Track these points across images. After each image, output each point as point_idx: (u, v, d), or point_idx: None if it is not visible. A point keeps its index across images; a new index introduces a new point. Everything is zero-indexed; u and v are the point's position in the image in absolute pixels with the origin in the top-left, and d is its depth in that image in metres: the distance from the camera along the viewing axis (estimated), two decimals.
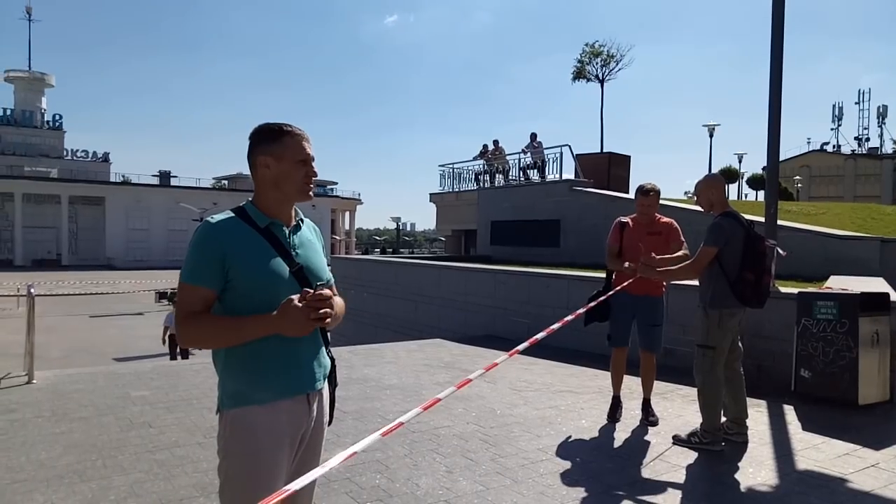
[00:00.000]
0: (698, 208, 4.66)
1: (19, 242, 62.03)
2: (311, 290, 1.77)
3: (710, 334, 4.28)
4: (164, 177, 74.01)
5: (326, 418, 2.07)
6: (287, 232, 1.93)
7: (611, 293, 4.70)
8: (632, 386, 5.51)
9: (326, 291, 1.79)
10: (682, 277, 4.54)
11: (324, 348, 2.01)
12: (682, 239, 4.89)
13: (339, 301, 2.03)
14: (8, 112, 72.03)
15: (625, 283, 4.63)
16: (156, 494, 3.48)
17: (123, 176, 71.75)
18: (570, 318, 4.05)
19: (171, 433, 4.56)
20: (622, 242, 4.93)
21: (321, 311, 1.76)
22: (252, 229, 1.87)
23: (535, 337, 3.45)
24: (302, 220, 2.04)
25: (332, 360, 2.07)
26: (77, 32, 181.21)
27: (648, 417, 4.96)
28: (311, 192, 1.96)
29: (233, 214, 1.90)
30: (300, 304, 1.75)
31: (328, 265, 2.11)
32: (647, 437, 4.63)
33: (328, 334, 2.05)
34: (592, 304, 4.60)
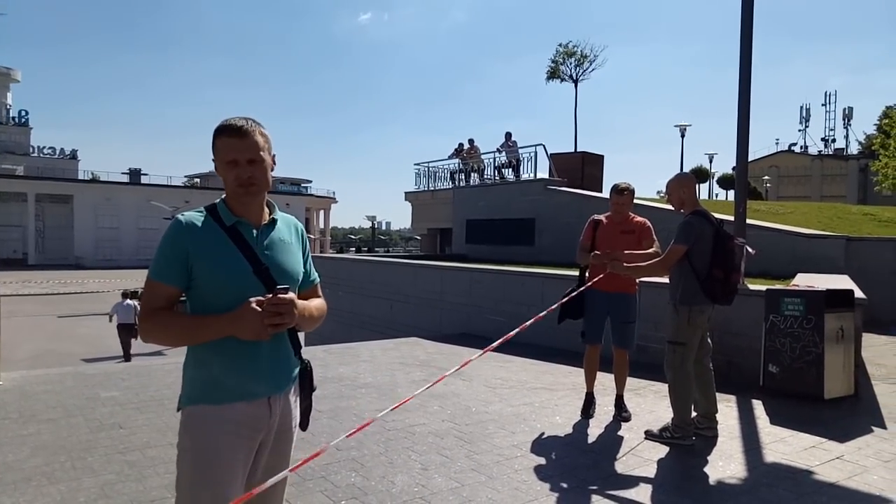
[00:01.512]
0: (670, 207, 4.74)
1: None
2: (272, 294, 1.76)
3: (680, 331, 4.35)
4: (135, 174, 72.66)
5: (295, 422, 2.02)
6: (255, 231, 1.90)
7: (584, 287, 4.74)
8: (605, 382, 5.58)
9: (288, 295, 1.76)
10: (651, 274, 4.62)
11: (292, 351, 1.96)
12: (654, 238, 4.96)
13: (313, 303, 2.01)
14: None
15: (597, 279, 4.68)
16: (127, 496, 3.43)
17: (92, 173, 70.29)
18: (542, 314, 4.10)
19: (142, 434, 4.49)
20: (594, 240, 4.98)
21: (278, 316, 1.75)
22: (219, 227, 1.86)
23: (507, 335, 3.49)
24: (277, 219, 1.99)
25: (306, 363, 2.02)
26: (44, 27, 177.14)
27: (622, 413, 5.02)
28: (246, 195, 1.86)
29: (204, 212, 1.89)
30: (258, 308, 1.74)
31: (312, 265, 2.09)
32: (619, 433, 4.69)
33: (299, 337, 2.00)
34: (565, 299, 4.65)
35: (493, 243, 16.60)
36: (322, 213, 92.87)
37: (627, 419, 4.97)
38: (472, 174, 20.47)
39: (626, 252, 4.65)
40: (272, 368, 1.89)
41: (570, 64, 35.75)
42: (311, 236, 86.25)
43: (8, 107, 73.13)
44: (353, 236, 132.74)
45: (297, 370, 1.99)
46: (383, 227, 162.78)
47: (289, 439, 2.00)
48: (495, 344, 3.34)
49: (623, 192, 4.91)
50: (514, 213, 16.13)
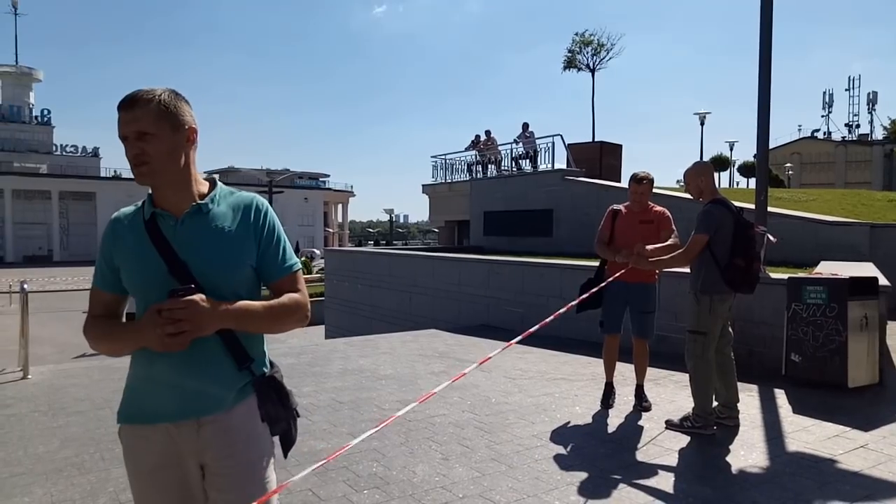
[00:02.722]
0: (689, 196, 4.70)
1: (10, 239, 61.61)
2: (173, 298, 1.50)
3: (701, 320, 4.33)
4: None
5: (256, 440, 1.68)
6: (173, 223, 1.62)
7: (605, 284, 4.72)
8: (625, 372, 5.57)
9: (189, 297, 1.50)
10: (674, 265, 4.58)
11: (229, 362, 1.63)
12: (673, 227, 4.93)
13: (265, 302, 1.65)
14: None
15: (618, 274, 4.66)
16: None
17: (114, 171, 71.29)
18: (562, 310, 4.11)
19: None
20: (614, 230, 4.96)
21: (174, 323, 1.48)
22: (141, 223, 1.65)
23: (529, 330, 3.53)
24: (211, 204, 1.67)
25: (259, 376, 1.68)
26: (65, 27, 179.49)
27: (642, 403, 5.01)
28: (139, 177, 1.60)
29: (137, 206, 1.71)
30: (157, 316, 1.51)
31: (285, 251, 1.74)
32: (640, 423, 4.68)
33: (240, 342, 1.64)
34: (586, 295, 4.62)
35: (510, 235, 16.58)
36: (340, 206, 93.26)
37: (648, 409, 4.96)
38: (490, 166, 20.44)
39: (650, 247, 4.59)
40: (192, 383, 1.60)
41: (587, 53, 35.41)
42: (330, 230, 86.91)
43: (31, 106, 74.32)
44: (371, 230, 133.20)
45: (243, 383, 1.66)
46: (401, 220, 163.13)
47: (239, 470, 1.65)
48: (518, 338, 3.40)
49: (642, 182, 4.88)
50: (531, 205, 16.08)
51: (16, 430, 4.47)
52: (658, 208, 4.99)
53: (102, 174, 69.91)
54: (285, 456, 1.78)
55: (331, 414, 4.92)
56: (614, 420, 4.76)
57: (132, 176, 1.65)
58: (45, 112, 73.75)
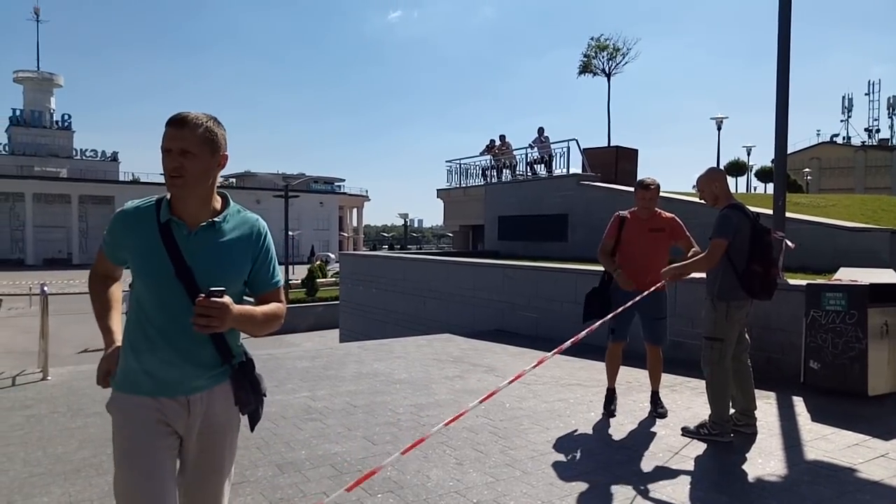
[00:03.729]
0: (704, 202, 4.66)
1: (30, 242, 62.50)
2: (203, 296, 1.71)
3: (718, 326, 4.29)
4: None
5: (231, 423, 1.99)
6: (187, 231, 1.86)
7: (643, 296, 4.44)
8: (640, 378, 5.54)
9: (221, 299, 1.70)
10: (697, 270, 4.50)
11: (214, 354, 1.90)
12: (688, 234, 4.86)
13: (261, 308, 1.92)
14: (17, 112, 72.45)
15: (651, 289, 4.46)
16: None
17: (133, 175, 72.19)
18: (610, 315, 4.26)
19: None
20: (620, 238, 4.86)
21: (205, 318, 1.69)
22: (156, 223, 1.86)
23: (574, 337, 3.85)
24: (223, 222, 1.91)
25: (235, 366, 1.95)
26: (85, 33, 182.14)
27: (657, 409, 4.97)
28: (173, 187, 1.84)
29: (152, 203, 1.92)
30: (104, 369, 1.93)
31: (274, 269, 2.01)
32: (655, 429, 4.65)
33: (226, 340, 1.92)
34: (610, 316, 4.38)
35: (525, 239, 16.56)
36: (355, 211, 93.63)
37: (664, 415, 4.91)
38: (504, 170, 20.42)
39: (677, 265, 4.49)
40: (181, 369, 1.86)
41: (603, 58, 35.31)
42: (345, 234, 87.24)
43: (52, 111, 75.42)
44: (385, 234, 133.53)
45: (222, 370, 1.94)
46: (415, 225, 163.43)
47: (218, 439, 1.97)
48: (568, 343, 3.47)
49: (649, 188, 4.77)
50: (546, 209, 16.05)
51: (35, 430, 4.53)
52: (667, 215, 4.90)
53: (121, 178, 70.83)
54: (252, 430, 2.09)
55: (345, 417, 4.94)
56: (629, 427, 4.73)
57: (163, 182, 1.89)
58: (66, 117, 74.79)
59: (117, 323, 2.01)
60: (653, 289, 4.48)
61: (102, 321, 2.00)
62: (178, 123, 1.82)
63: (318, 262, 43.58)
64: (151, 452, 1.86)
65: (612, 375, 5.11)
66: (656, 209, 4.87)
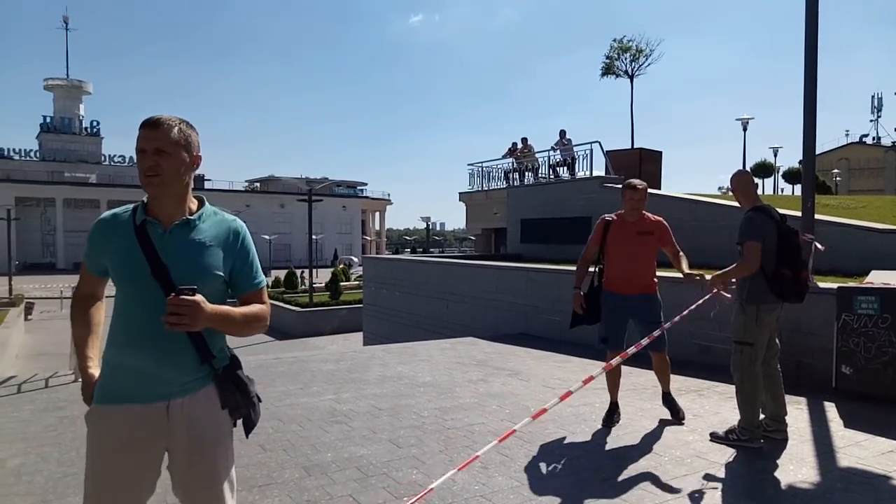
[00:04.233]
0: (731, 203, 4.61)
1: (61, 246, 63.89)
2: (175, 295, 1.72)
3: (748, 330, 4.23)
4: (198, 180, 75.35)
5: (220, 427, 1.94)
6: (161, 230, 1.88)
7: (697, 305, 4.32)
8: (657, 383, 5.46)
9: (192, 297, 1.71)
10: (738, 276, 4.30)
11: (193, 357, 1.88)
12: (674, 240, 4.73)
13: (241, 309, 1.91)
14: (48, 119, 74.25)
15: (716, 292, 4.28)
16: None
17: None
18: (674, 320, 4.18)
19: None
20: (605, 242, 4.72)
21: (175, 316, 1.71)
22: (132, 226, 1.89)
23: (639, 343, 3.78)
24: (198, 221, 1.93)
25: (218, 370, 1.93)
26: (112, 41, 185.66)
27: (674, 409, 4.86)
28: (149, 186, 1.86)
29: (128, 209, 1.95)
30: (85, 401, 1.93)
31: (255, 269, 2.00)
32: (683, 435, 4.59)
33: (205, 341, 1.89)
34: (659, 329, 4.28)
35: (548, 242, 16.48)
36: (377, 214, 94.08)
37: (681, 416, 4.83)
38: (527, 173, 20.37)
39: (717, 274, 4.32)
40: (161, 372, 1.85)
41: (626, 59, 35.18)
42: (367, 238, 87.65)
43: (81, 118, 77.06)
44: (408, 237, 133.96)
45: (204, 374, 1.92)
46: (438, 228, 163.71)
47: (207, 447, 1.91)
48: (632, 350, 3.59)
49: (637, 188, 4.60)
50: (569, 212, 15.97)
51: (69, 431, 4.61)
52: (655, 218, 4.73)
53: None
54: (247, 436, 2.04)
55: (370, 420, 4.96)
56: (657, 431, 4.68)
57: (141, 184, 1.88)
58: (95, 123, 76.38)
59: (96, 350, 1.99)
60: (707, 297, 4.35)
61: (81, 348, 1.98)
62: (152, 125, 1.86)
63: (341, 266, 43.87)
64: (116, 475, 1.85)
65: (612, 388, 4.90)
66: (644, 212, 4.71)
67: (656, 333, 4.18)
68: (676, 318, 4.21)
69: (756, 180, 4.74)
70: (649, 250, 4.69)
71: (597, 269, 4.92)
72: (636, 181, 4.68)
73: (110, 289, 2.02)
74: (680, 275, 4.64)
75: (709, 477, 3.78)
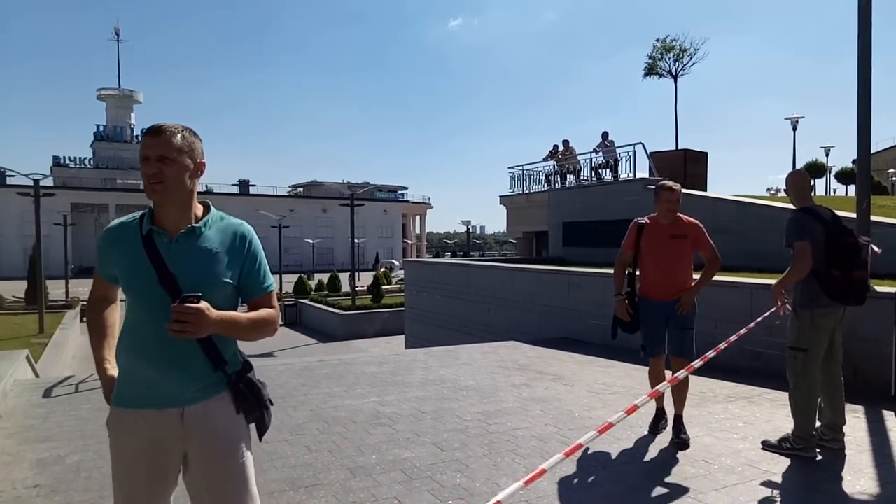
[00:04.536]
0: (781, 204, 4.48)
1: None
2: (178, 303, 1.74)
3: (801, 336, 4.10)
4: (244, 185, 77.22)
5: (235, 433, 1.93)
6: (167, 239, 1.89)
7: (762, 318, 4.27)
8: (714, 389, 5.35)
9: (196, 304, 1.72)
10: (795, 280, 4.15)
11: (205, 363, 1.88)
12: (711, 243, 4.52)
13: (248, 314, 1.92)
14: (101, 128, 77.04)
15: (772, 310, 4.21)
16: None
17: (206, 185, 75.17)
18: (743, 331, 4.09)
19: None
20: (639, 247, 4.52)
21: (178, 323, 1.72)
22: (138, 235, 1.90)
23: (717, 347, 3.67)
24: (203, 227, 1.93)
25: (231, 376, 1.93)
26: (162, 52, 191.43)
27: (680, 436, 4.39)
28: (153, 193, 1.87)
29: (135, 218, 1.96)
30: (106, 393, 1.96)
31: (264, 273, 2.00)
32: (733, 443, 4.47)
33: (216, 347, 1.89)
34: (753, 323, 4.20)
35: (590, 245, 16.28)
36: (418, 218, 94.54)
37: (685, 444, 4.34)
38: (568, 176, 20.20)
39: (780, 282, 4.20)
40: (173, 379, 1.86)
41: (669, 59, 34.64)
42: (408, 241, 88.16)
43: (132, 126, 79.71)
44: (448, 241, 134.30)
45: (218, 380, 1.92)
46: (478, 231, 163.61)
47: (222, 449, 1.91)
48: (700, 361, 3.52)
49: (673, 189, 4.40)
50: (612, 215, 15.75)
51: None
52: (689, 220, 4.51)
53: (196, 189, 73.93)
54: (260, 440, 2.03)
55: (414, 423, 4.98)
56: (706, 439, 4.57)
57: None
58: (145, 132, 78.80)
59: (111, 350, 2.01)
60: (773, 310, 4.23)
61: (97, 350, 2.02)
62: (154, 132, 1.87)
63: (382, 269, 44.24)
64: (134, 477, 1.90)
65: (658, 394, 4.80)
66: (679, 214, 4.50)
67: (710, 355, 3.80)
68: (743, 331, 4.09)
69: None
70: (684, 254, 4.47)
71: (626, 273, 4.70)
72: (670, 182, 4.50)
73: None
74: (717, 277, 4.49)
75: (763, 486, 3.67)
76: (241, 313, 1.91)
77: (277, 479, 3.78)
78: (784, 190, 4.46)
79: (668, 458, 4.18)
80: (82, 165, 73.76)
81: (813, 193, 4.50)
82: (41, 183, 21.96)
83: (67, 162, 73.03)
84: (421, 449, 4.35)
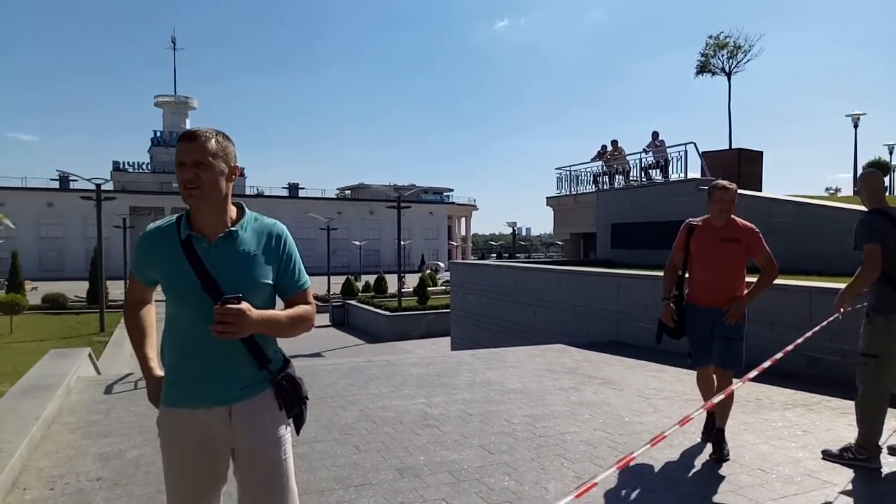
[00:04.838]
0: (840, 205, 4.31)
1: None
2: (219, 304, 1.78)
3: (873, 341, 3.92)
4: (293, 189, 78.79)
5: (279, 431, 2.00)
6: (206, 244, 1.92)
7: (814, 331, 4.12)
8: (771, 395, 5.18)
9: (237, 305, 1.77)
10: (863, 285, 4.00)
11: (250, 362, 1.94)
12: (767, 249, 4.25)
13: (286, 311, 1.96)
14: (158, 134, 79.73)
15: (835, 315, 4.09)
16: (298, 486, 3.70)
17: (257, 189, 77.07)
18: (800, 340, 4.00)
19: (310, 429, 4.81)
20: (689, 250, 4.35)
21: (222, 325, 1.77)
22: (177, 240, 1.93)
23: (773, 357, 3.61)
24: (240, 231, 1.96)
25: (274, 374, 1.98)
26: (216, 60, 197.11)
27: (721, 451, 4.16)
28: (189, 198, 1.88)
29: (172, 222, 1.99)
30: (153, 394, 2.03)
31: (299, 271, 2.04)
32: (792, 452, 4.32)
33: (260, 346, 1.95)
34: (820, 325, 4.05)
35: (639, 247, 16.00)
36: (463, 220, 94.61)
37: (726, 458, 4.13)
38: (617, 176, 19.90)
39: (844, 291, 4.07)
40: (220, 379, 1.92)
41: (723, 56, 33.83)
42: (454, 243, 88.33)
43: None
44: (493, 242, 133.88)
45: (263, 378, 1.98)
46: (523, 233, 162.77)
47: (268, 445, 1.98)
48: (754, 372, 3.49)
49: (728, 189, 4.16)
50: (662, 216, 15.44)
51: None
52: (744, 224, 4.25)
53: (247, 192, 75.77)
54: (297, 433, 2.10)
55: (461, 425, 4.98)
56: (762, 447, 4.42)
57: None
58: None
59: (153, 349, 2.08)
60: (836, 316, 4.08)
61: (140, 350, 2.08)
62: (189, 138, 1.89)
63: (428, 271, 44.48)
64: (186, 474, 1.97)
65: (708, 400, 4.63)
66: (733, 216, 4.25)
67: (770, 366, 3.68)
68: (800, 340, 3.96)
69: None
70: (735, 260, 4.23)
71: (677, 277, 4.52)
72: (724, 181, 4.28)
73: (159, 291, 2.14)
74: (776, 281, 4.33)
75: (823, 497, 3.53)
76: (280, 311, 1.96)
77: (327, 477, 3.84)
78: (855, 191, 4.29)
79: (721, 466, 4.06)
80: (140, 170, 76.45)
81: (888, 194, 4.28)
82: (102, 187, 22.88)
83: (126, 167, 75.79)
84: (468, 451, 4.35)
